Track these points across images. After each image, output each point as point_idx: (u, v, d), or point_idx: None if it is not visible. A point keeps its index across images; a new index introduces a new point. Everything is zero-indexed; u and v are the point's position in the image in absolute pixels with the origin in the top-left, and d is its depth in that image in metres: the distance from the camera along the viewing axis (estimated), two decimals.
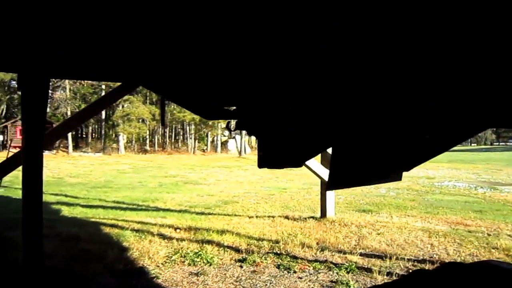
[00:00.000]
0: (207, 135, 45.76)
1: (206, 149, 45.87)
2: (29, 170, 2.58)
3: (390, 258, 5.13)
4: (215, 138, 45.90)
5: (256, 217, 8.00)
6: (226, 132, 38.84)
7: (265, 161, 3.06)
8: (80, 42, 1.98)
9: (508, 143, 64.61)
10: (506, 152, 42.06)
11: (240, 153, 40.76)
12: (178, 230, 6.58)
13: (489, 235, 6.62)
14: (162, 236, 6.07)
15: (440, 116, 1.92)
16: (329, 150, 6.98)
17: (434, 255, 5.40)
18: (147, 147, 44.00)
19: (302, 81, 2.04)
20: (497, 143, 63.74)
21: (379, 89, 1.86)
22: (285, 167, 3.20)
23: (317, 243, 5.84)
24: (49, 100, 42.34)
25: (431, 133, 2.13)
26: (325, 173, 7.24)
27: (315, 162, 7.22)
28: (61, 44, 2.06)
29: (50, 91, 41.99)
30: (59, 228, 6.41)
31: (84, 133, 45.21)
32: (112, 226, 6.82)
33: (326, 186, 3.00)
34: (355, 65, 1.67)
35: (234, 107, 2.90)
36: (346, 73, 1.79)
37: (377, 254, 5.38)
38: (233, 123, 3.09)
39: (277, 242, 5.89)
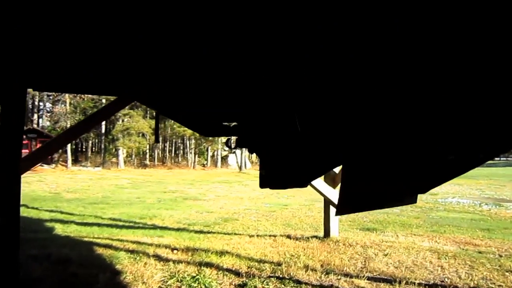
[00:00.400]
0: (207, 150, 45.57)
1: (206, 163, 45.63)
2: (4, 189, 2.30)
3: (399, 282, 4.83)
4: (215, 153, 45.72)
5: (257, 236, 7.70)
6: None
7: (267, 181, 2.81)
8: (63, 44, 1.76)
9: (509, 158, 64.28)
10: (509, 167, 41.69)
11: (240, 168, 40.57)
12: (175, 251, 6.28)
13: (500, 256, 6.32)
14: (158, 258, 5.77)
15: (471, 133, 1.68)
16: (335, 169, 6.74)
17: (446, 279, 5.10)
18: (147, 162, 43.74)
19: (304, 86, 1.87)
20: (498, 158, 63.35)
21: (386, 96, 1.66)
22: (289, 188, 2.95)
23: (322, 266, 5.53)
24: (49, 114, 42.27)
25: (458, 153, 1.89)
26: (328, 191, 6.97)
27: (318, 180, 6.95)
28: (43, 48, 1.83)
29: (50, 105, 42.00)
30: (50, 249, 6.11)
31: (83, 147, 44.96)
32: (106, 246, 6.52)
33: (336, 211, 2.75)
34: (355, 66, 1.54)
35: (234, 123, 2.67)
36: (347, 76, 1.63)
37: (385, 277, 5.08)
38: (233, 139, 2.86)
39: (279, 264, 5.59)
